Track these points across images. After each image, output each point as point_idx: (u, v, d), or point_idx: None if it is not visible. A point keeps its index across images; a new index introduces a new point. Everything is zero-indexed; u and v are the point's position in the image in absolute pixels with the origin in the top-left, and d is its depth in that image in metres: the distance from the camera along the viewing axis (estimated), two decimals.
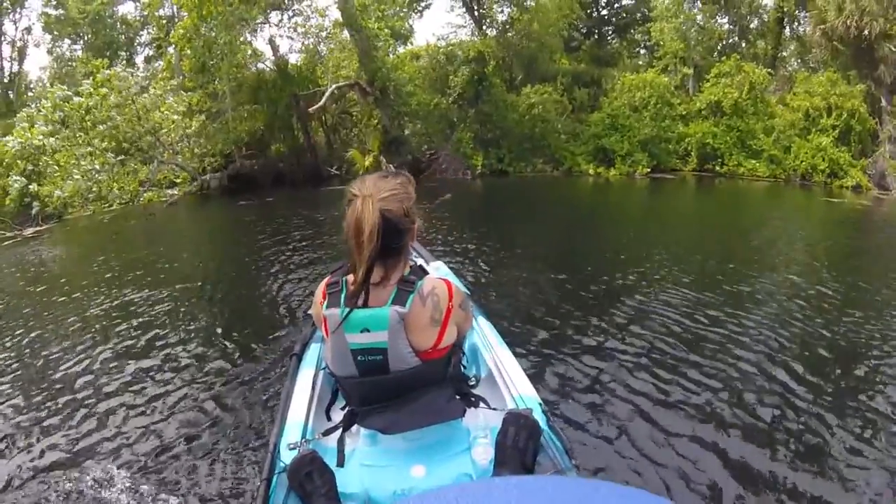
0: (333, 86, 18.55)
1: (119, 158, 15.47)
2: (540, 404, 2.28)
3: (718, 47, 23.67)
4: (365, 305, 1.81)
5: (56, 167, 14.66)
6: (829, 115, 18.21)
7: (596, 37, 27.81)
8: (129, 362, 4.90)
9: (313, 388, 2.52)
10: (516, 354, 2.74)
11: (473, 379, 2.19)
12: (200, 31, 17.06)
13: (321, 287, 1.94)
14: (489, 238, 9.53)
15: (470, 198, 16.57)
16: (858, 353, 4.73)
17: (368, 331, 1.81)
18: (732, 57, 20.38)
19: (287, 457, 1.95)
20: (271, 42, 20.18)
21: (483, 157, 20.12)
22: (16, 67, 28.02)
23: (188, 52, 18.18)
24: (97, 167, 14.85)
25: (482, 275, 7.23)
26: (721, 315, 5.53)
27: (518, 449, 1.84)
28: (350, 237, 1.76)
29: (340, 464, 1.95)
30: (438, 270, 3.57)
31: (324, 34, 20.43)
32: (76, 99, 15.06)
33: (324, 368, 2.23)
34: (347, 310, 1.80)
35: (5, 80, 27.28)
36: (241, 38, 18.42)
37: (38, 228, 14.31)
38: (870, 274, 7.58)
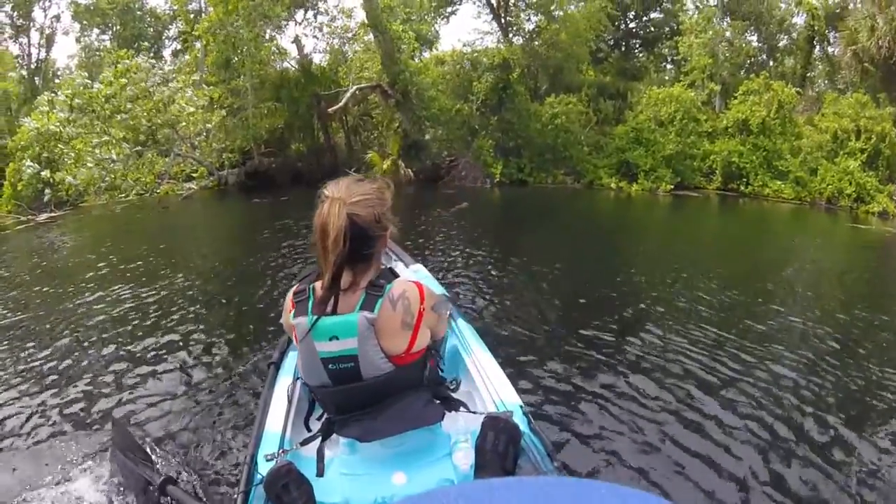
0: (354, 87, 18.55)
1: (135, 149, 15.53)
2: (521, 407, 2.25)
3: (747, 64, 23.31)
4: (333, 312, 1.76)
5: (71, 154, 14.73)
6: (857, 138, 17.74)
7: (623, 49, 27.61)
8: (105, 359, 4.79)
9: (291, 397, 2.45)
10: (510, 359, 2.64)
11: (453, 382, 2.13)
12: (226, 26, 17.10)
13: (289, 295, 1.90)
14: (499, 248, 9.41)
15: (487, 207, 16.37)
16: (878, 393, 4.44)
17: (337, 338, 1.76)
18: (761, 75, 19.97)
19: (264, 468, 1.89)
20: (296, 41, 20.26)
21: (503, 166, 19.86)
22: (43, 54, 28.32)
23: (212, 46, 18.24)
24: (112, 157, 14.90)
25: (485, 282, 7.14)
26: (722, 337, 5.40)
27: (497, 453, 1.80)
28: (317, 240, 1.72)
29: (320, 473, 1.89)
30: (417, 273, 3.49)
31: (349, 35, 20.47)
32: (96, 86, 15.12)
33: (299, 377, 2.12)
34: (315, 318, 1.75)
35: (32, 67, 27.56)
36: (265, 35, 18.48)
37: (51, 215, 14.47)
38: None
